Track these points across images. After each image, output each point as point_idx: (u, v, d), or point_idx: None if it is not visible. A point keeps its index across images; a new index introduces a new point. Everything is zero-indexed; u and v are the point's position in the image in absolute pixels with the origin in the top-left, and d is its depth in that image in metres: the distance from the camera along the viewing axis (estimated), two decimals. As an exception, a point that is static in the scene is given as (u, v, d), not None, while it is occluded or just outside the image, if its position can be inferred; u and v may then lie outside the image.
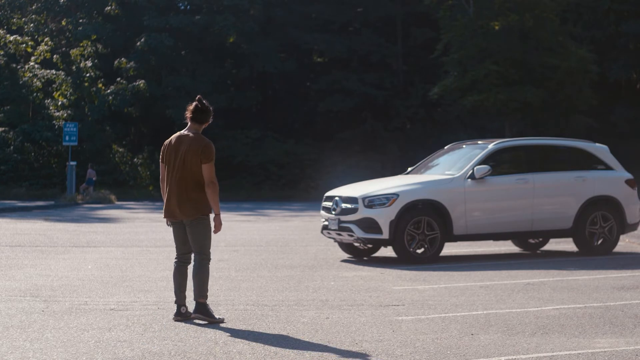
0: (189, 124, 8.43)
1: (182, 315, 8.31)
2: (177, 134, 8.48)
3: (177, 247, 8.50)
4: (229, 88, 48.61)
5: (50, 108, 45.02)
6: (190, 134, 8.34)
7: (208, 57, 47.92)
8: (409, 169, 15.56)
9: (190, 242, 8.36)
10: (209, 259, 8.33)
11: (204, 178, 8.23)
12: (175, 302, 8.37)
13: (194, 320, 8.26)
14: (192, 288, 8.33)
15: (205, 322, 8.17)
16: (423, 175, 14.51)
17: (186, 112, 8.43)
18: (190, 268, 8.49)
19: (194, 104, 8.39)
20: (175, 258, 8.49)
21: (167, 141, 8.47)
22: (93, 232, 19.39)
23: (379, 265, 13.19)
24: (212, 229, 8.31)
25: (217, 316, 8.30)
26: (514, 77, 38.98)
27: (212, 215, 8.23)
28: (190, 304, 8.43)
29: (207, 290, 8.29)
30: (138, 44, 45.51)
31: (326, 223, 14.10)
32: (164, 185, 8.43)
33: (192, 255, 8.46)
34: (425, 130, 46.72)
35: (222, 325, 8.08)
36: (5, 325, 7.97)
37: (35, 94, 44.90)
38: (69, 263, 13.14)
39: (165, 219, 8.50)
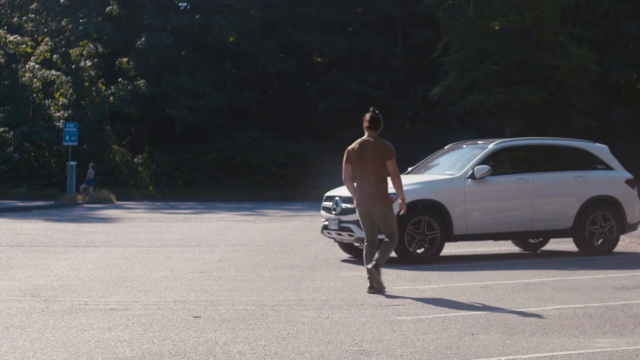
0: (367, 132, 10.26)
1: (374, 289, 10.02)
2: (360, 140, 10.28)
3: (366, 232, 10.35)
4: (229, 88, 48.59)
5: (51, 108, 44.99)
6: (372, 139, 10.21)
7: (208, 57, 47.90)
8: (409, 169, 15.56)
9: (380, 227, 10.24)
10: (396, 238, 10.30)
11: (388, 173, 10.13)
12: (369, 278, 10.08)
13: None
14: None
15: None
16: (423, 175, 14.51)
17: (364, 122, 10.26)
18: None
19: (369, 114, 10.25)
20: (365, 242, 10.33)
21: (351, 147, 10.29)
22: (93, 232, 19.39)
23: (379, 265, 13.17)
24: (400, 212, 10.46)
25: (383, 285, 10.07)
26: (514, 77, 38.96)
27: (398, 201, 10.35)
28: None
29: (385, 260, 10.19)
30: (138, 43, 45.50)
31: (326, 223, 14.09)
32: (349, 182, 10.33)
33: (378, 239, 10.31)
34: (425, 130, 46.69)
35: (221, 325, 8.08)
36: (5, 325, 7.97)
37: (35, 95, 44.87)
38: (69, 263, 13.14)
39: (358, 207, 10.31)
